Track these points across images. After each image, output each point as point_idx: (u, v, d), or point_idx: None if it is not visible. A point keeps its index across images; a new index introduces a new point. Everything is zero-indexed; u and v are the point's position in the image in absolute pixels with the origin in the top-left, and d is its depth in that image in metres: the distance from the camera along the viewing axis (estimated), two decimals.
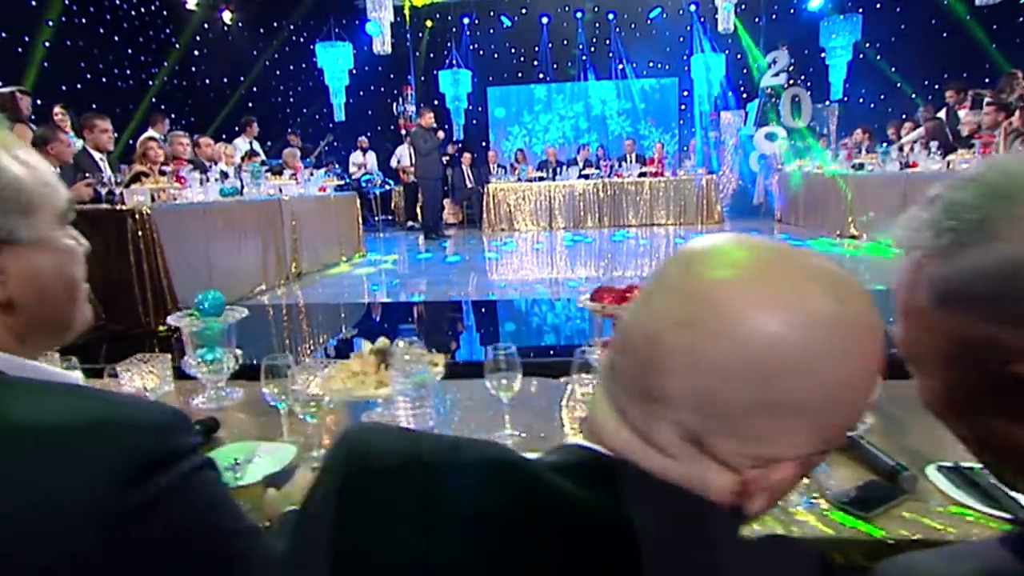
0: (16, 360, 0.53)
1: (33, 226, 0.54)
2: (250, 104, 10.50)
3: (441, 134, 8.23)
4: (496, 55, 11.48)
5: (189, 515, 0.46)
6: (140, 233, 3.24)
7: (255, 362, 1.52)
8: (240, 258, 4.18)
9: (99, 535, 0.41)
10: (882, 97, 9.74)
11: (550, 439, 1.18)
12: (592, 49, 11.29)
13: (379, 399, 1.23)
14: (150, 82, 9.82)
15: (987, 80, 7.89)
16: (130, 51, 9.45)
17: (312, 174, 5.86)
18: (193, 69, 10.56)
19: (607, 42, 11.23)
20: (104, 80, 8.91)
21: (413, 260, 6.72)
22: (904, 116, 8.85)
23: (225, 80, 10.70)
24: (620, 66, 11.25)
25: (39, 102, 5.76)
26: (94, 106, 7.87)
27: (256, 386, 1.57)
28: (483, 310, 4.06)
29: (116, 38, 9.19)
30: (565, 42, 11.27)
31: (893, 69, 9.58)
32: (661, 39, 10.98)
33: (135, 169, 4.18)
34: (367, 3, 7.95)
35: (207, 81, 10.72)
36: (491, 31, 11.42)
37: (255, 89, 10.89)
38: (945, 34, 9.20)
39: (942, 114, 6.51)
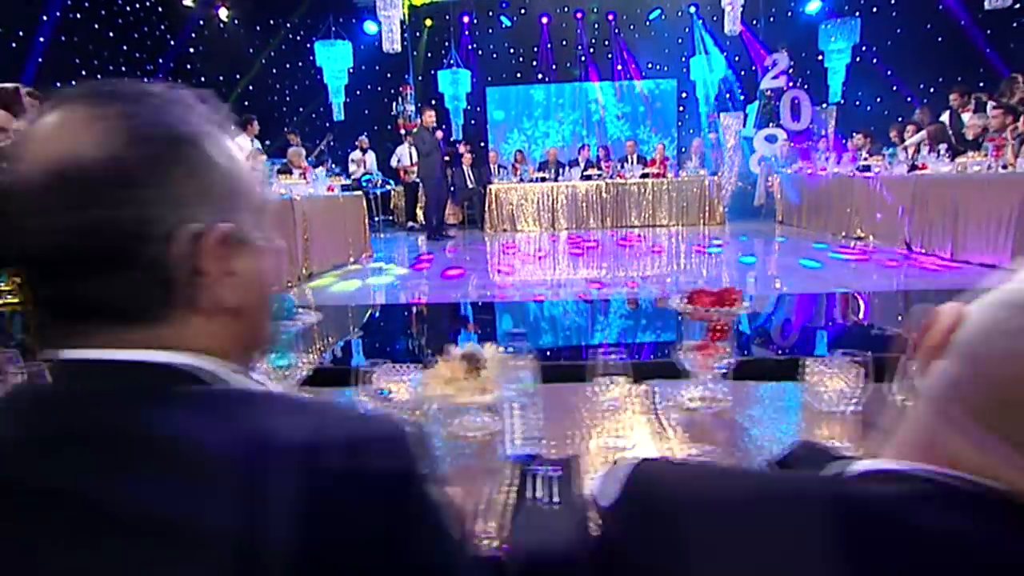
0: (246, 376, 0.48)
1: (259, 224, 0.49)
2: (247, 103, 10.35)
3: (440, 134, 8.16)
4: (495, 55, 11.44)
5: (433, 530, 0.45)
6: None
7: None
8: None
9: (372, 556, 0.39)
10: (879, 100, 9.85)
11: (661, 446, 1.14)
12: (592, 50, 11.29)
13: (480, 406, 1.18)
14: (144, 79, 9.62)
15: (981, 84, 8.02)
16: (125, 48, 9.28)
17: (316, 175, 5.79)
18: (189, 67, 10.40)
19: (606, 43, 11.24)
20: (99, 77, 8.72)
21: (420, 261, 6.66)
22: (900, 119, 8.97)
23: (221, 78, 10.53)
24: (619, 67, 11.27)
25: None
26: None
27: (322, 392, 1.53)
28: (506, 311, 4.01)
29: (111, 34, 9.02)
30: (564, 43, 11.27)
31: (889, 72, 9.70)
32: (660, 40, 11.02)
33: None
34: (377, 1, 7.86)
35: (203, 79, 10.54)
36: (490, 31, 11.38)
37: (251, 88, 10.76)
38: (940, 38, 9.33)
39: (945, 117, 6.58)
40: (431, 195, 8.31)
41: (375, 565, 0.40)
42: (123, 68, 9.24)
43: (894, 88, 9.67)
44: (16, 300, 3.18)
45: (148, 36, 9.76)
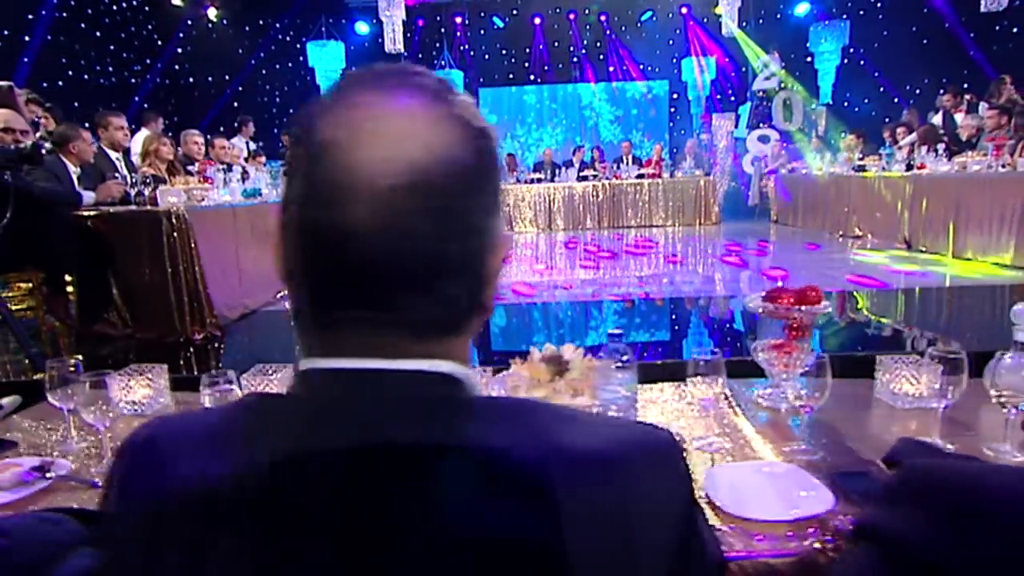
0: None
1: None
2: (235, 104, 10.22)
3: None
4: (487, 56, 11.43)
5: (705, 535, 0.46)
6: (176, 235, 3.09)
7: None
8: (266, 262, 4.03)
9: (666, 560, 0.39)
10: (866, 101, 10.04)
11: (750, 445, 1.14)
12: (584, 51, 11.34)
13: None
14: (132, 80, 9.46)
15: (966, 85, 8.22)
16: (112, 47, 9.09)
17: None
18: (177, 67, 10.22)
19: (598, 44, 11.29)
20: (86, 77, 8.54)
21: None
22: (888, 119, 9.16)
23: (210, 79, 10.38)
24: (612, 68, 11.33)
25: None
26: (76, 104, 7.57)
27: None
28: (522, 312, 4.00)
29: (98, 34, 8.83)
30: (557, 44, 11.30)
31: (876, 74, 9.88)
32: (652, 42, 11.10)
33: (145, 170, 3.99)
34: (378, 1, 7.79)
35: (191, 80, 10.39)
36: (482, 32, 11.36)
37: (241, 88, 10.60)
38: (926, 40, 9.54)
39: (938, 118, 6.72)
40: None
41: (668, 569, 0.39)
42: (109, 68, 9.05)
43: (881, 89, 9.87)
44: (26, 306, 3.08)
45: (136, 36, 9.56)
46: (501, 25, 11.21)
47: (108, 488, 0.43)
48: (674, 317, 3.73)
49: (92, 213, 3.11)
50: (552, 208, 9.03)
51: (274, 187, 4.55)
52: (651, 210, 8.96)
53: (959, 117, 6.39)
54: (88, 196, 3.16)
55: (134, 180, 3.21)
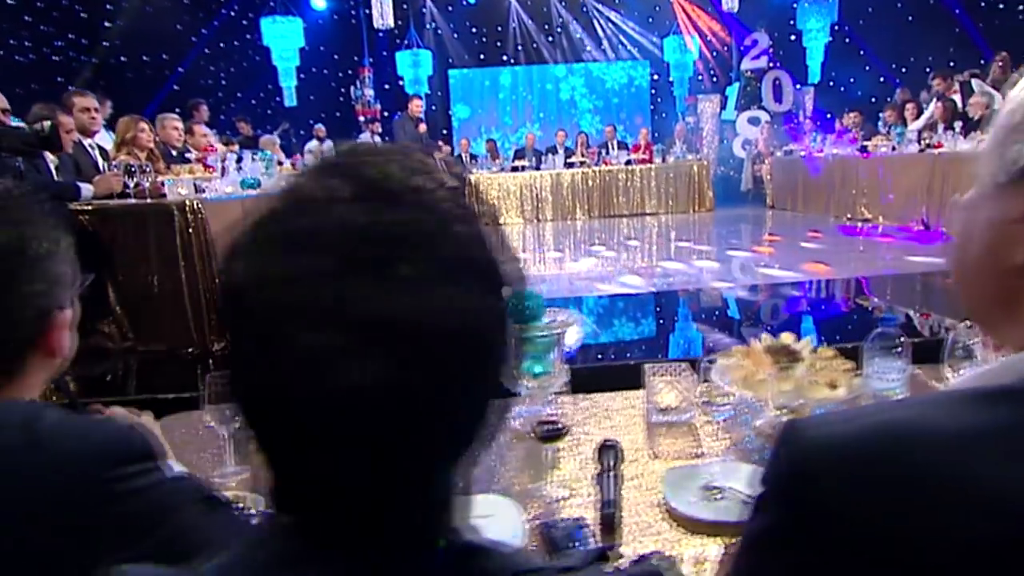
0: None
1: None
2: (176, 87, 9.69)
3: (424, 127, 7.90)
4: (456, 35, 11.27)
5: None
6: (191, 231, 2.87)
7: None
8: None
9: None
10: (852, 80, 10.46)
11: None
12: (560, 30, 11.34)
13: (832, 402, 1.14)
14: (55, 58, 8.82)
15: (952, 64, 8.69)
16: (28, 18, 8.44)
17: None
18: (107, 44, 9.57)
19: (574, 22, 11.31)
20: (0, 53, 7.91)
21: None
22: (874, 99, 9.58)
23: (146, 59, 9.81)
24: (589, 49, 11.38)
25: None
26: None
27: (580, 399, 1.45)
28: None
29: (10, 2, 8.17)
30: (531, 19, 11.24)
31: (861, 52, 10.30)
32: (632, 20, 11.21)
33: (122, 159, 3.72)
34: None
35: (124, 59, 9.77)
36: (450, 8, 11.20)
37: (181, 69, 10.06)
38: (911, 17, 10.00)
39: (933, 100, 7.05)
40: None
41: None
42: (27, 43, 8.40)
43: (867, 68, 10.28)
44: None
45: (55, 6, 8.89)
46: (472, 1, 11.06)
47: (843, 530, 0.36)
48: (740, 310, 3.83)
49: (87, 208, 2.86)
50: (539, 197, 9.00)
51: (268, 177, 4.33)
52: (643, 197, 9.06)
53: (956, 97, 6.72)
54: (86, 189, 2.90)
55: (132, 169, 2.97)
